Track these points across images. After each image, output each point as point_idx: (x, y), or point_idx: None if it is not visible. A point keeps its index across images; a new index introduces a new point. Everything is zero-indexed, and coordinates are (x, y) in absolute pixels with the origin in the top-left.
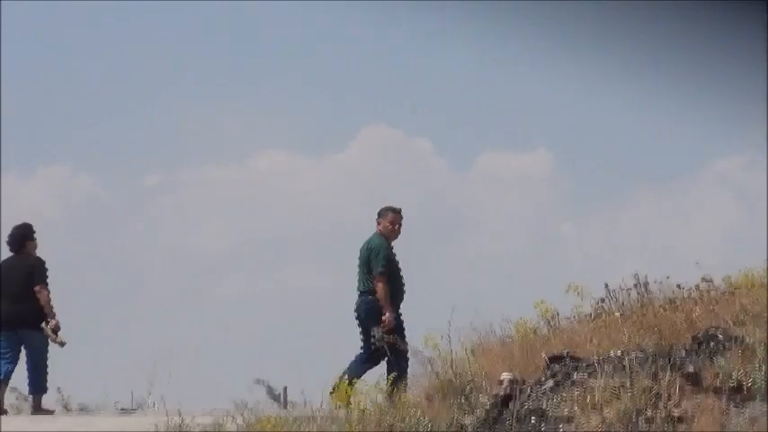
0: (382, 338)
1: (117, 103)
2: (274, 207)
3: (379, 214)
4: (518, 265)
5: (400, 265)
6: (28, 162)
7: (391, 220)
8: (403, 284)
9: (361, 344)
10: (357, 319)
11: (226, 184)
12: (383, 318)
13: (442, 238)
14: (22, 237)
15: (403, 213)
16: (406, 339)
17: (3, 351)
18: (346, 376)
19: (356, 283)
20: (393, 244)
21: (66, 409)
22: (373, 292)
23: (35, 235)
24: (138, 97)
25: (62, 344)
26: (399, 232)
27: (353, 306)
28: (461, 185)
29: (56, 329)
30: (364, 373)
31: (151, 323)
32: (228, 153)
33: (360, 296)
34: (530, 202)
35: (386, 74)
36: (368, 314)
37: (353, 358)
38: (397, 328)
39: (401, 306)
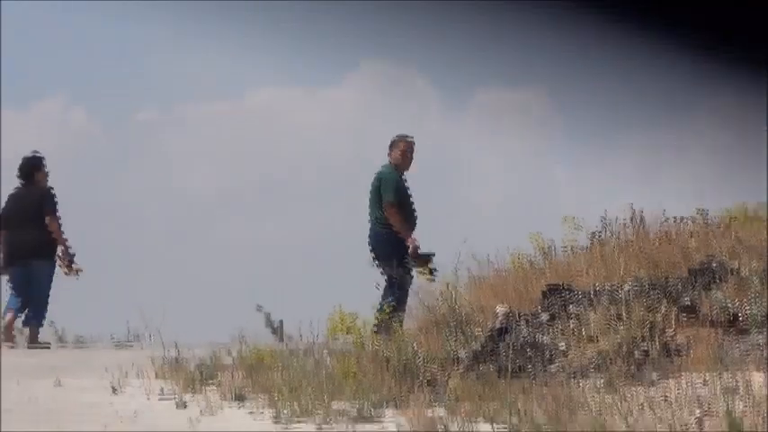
0: (411, 265)
1: (111, 39)
2: (270, 145)
3: (391, 144)
4: (514, 202)
5: (412, 196)
6: (20, 96)
7: (402, 149)
8: (414, 214)
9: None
10: (372, 251)
11: (221, 122)
12: (407, 245)
13: (437, 176)
14: (32, 167)
15: (414, 142)
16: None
17: (16, 283)
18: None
19: (367, 216)
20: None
21: (62, 341)
22: (383, 222)
23: (45, 165)
24: (131, 33)
25: (78, 272)
26: (411, 161)
27: (366, 239)
28: (457, 123)
29: (70, 258)
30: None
31: (148, 261)
32: (223, 89)
33: (371, 227)
34: (525, 140)
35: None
36: (379, 244)
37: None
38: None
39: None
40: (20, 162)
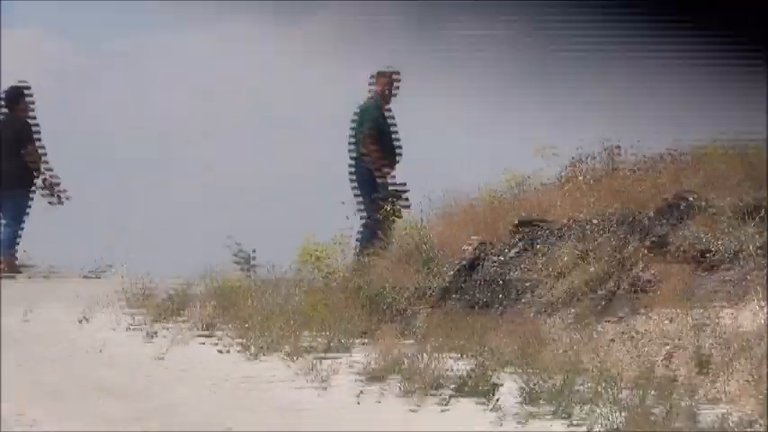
0: (379, 198)
1: None
2: (245, 75)
3: (373, 78)
4: (484, 131)
5: (397, 131)
6: None
7: (383, 83)
8: (396, 149)
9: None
10: (354, 189)
11: (194, 51)
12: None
13: (407, 103)
14: (13, 97)
15: (397, 76)
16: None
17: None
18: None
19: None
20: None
21: (32, 271)
22: (363, 155)
23: (26, 96)
24: None
25: (66, 199)
26: (393, 95)
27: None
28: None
29: (51, 185)
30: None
31: (121, 192)
32: (198, 18)
33: (355, 164)
34: (500, 69)
35: None
36: (359, 177)
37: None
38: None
39: (391, 166)
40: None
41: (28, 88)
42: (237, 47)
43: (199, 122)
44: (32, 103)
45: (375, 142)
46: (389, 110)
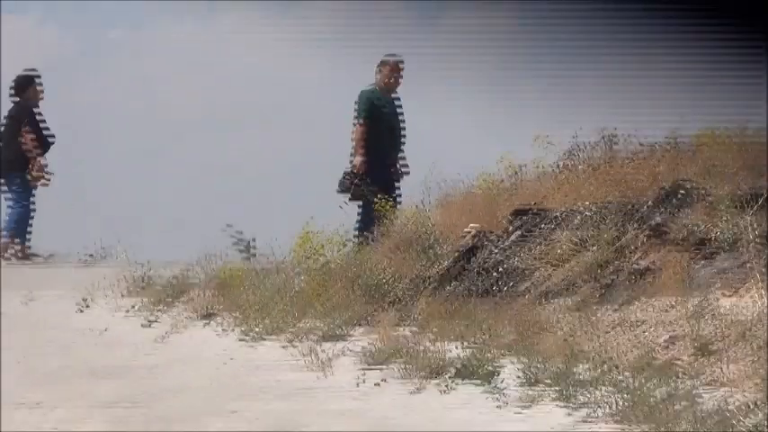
0: (344, 183)
1: None
2: (241, 67)
3: (378, 66)
4: (483, 119)
5: (401, 120)
6: None
7: (386, 72)
8: (396, 138)
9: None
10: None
11: (193, 43)
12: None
13: (405, 90)
14: (22, 84)
15: (401, 64)
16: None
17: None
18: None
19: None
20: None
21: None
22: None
23: (36, 83)
24: None
25: (40, 180)
26: (397, 84)
27: None
28: (429, 39)
29: (38, 170)
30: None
31: (120, 179)
32: (194, 11)
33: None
34: (490, 58)
35: None
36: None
37: None
38: (378, 180)
39: (389, 155)
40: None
41: (38, 76)
42: (236, 36)
43: (199, 110)
44: (42, 91)
45: (362, 133)
46: (396, 99)
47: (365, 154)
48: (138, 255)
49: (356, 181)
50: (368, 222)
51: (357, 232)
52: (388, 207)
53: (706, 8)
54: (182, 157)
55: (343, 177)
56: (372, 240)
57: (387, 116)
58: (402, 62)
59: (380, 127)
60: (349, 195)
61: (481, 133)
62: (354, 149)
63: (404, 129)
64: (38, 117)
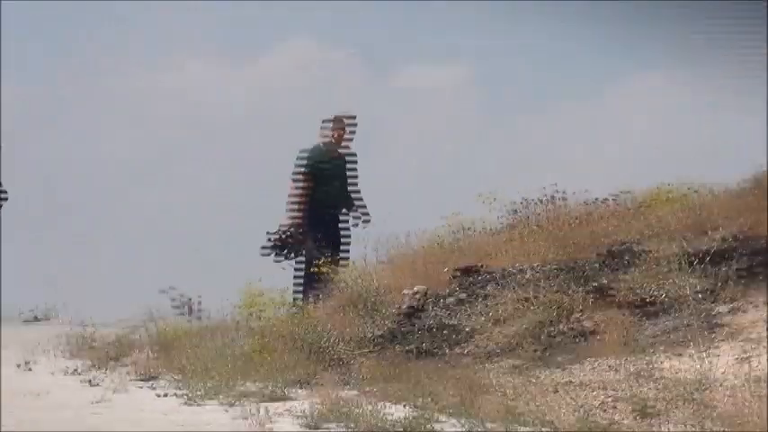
0: (274, 238)
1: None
2: (187, 113)
3: (327, 123)
4: (430, 179)
5: (352, 175)
6: None
7: (337, 129)
8: (334, 196)
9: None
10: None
11: (140, 94)
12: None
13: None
14: None
15: (344, 122)
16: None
17: None
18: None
19: None
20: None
21: None
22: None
23: None
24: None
25: None
26: (339, 142)
27: None
28: (379, 98)
29: None
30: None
31: (61, 232)
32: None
33: None
34: (445, 116)
35: None
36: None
37: None
38: (315, 232)
39: (330, 213)
40: None
41: None
42: (181, 85)
43: (139, 159)
44: None
45: (296, 191)
46: (348, 154)
47: (298, 211)
48: (79, 313)
49: (285, 238)
50: (307, 280)
51: (295, 290)
52: (327, 268)
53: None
54: (123, 208)
55: (269, 239)
56: (314, 299)
57: (330, 172)
58: (353, 118)
59: (322, 184)
60: (272, 255)
61: (427, 190)
62: (288, 206)
63: (355, 181)
64: None
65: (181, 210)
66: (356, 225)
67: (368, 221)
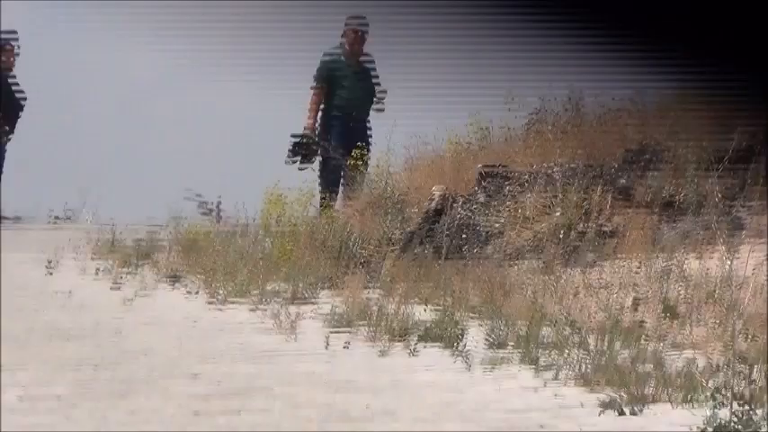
0: (292, 150)
1: None
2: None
3: (343, 30)
4: (451, 79)
5: (374, 81)
6: None
7: (349, 37)
8: (353, 98)
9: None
10: None
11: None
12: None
13: (372, 50)
14: None
15: (364, 28)
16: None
17: None
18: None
19: None
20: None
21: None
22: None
23: (12, 46)
24: None
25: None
26: (358, 43)
27: None
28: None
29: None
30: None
31: (84, 138)
32: None
33: None
34: (461, 17)
35: None
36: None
37: None
38: (338, 137)
39: (352, 115)
40: None
41: (16, 39)
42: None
43: (162, 73)
44: (16, 54)
45: (313, 97)
46: (366, 61)
47: (314, 117)
48: (105, 216)
49: (305, 143)
50: (330, 180)
51: (321, 189)
52: (359, 164)
53: None
54: (151, 114)
55: (292, 145)
56: (336, 199)
57: (347, 80)
58: (366, 26)
59: (339, 91)
60: (298, 161)
61: (448, 95)
62: (308, 113)
63: (378, 87)
64: (10, 80)
65: (210, 114)
66: (379, 110)
67: (383, 97)
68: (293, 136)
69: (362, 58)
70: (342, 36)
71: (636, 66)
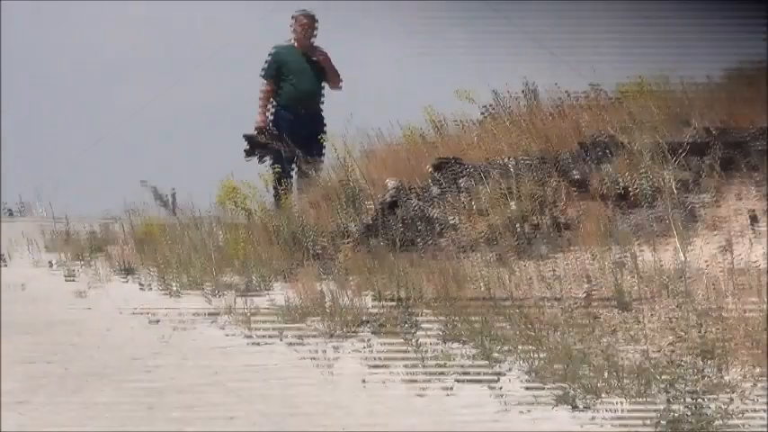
0: (250, 137)
1: None
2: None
3: (293, 19)
4: (406, 73)
5: (310, 73)
6: None
7: (298, 28)
8: (304, 91)
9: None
10: None
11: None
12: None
13: (328, 39)
14: None
15: (312, 19)
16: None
17: None
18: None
19: None
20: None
21: None
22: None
23: None
24: None
25: None
26: (306, 36)
27: None
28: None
29: None
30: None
31: (38, 131)
32: None
33: None
34: (419, 8)
35: None
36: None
37: None
38: (291, 129)
39: (300, 110)
40: None
41: None
42: None
43: (119, 61)
44: None
45: (263, 92)
46: (308, 53)
47: (264, 113)
48: (58, 210)
49: (258, 141)
50: (284, 172)
51: (274, 181)
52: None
53: None
54: (105, 109)
55: (248, 144)
56: (290, 191)
57: (299, 71)
58: (314, 18)
59: (291, 82)
60: (255, 158)
61: (402, 87)
62: (259, 106)
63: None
64: None
65: (165, 105)
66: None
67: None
68: (245, 136)
69: (314, 48)
70: (291, 27)
71: (592, 55)
